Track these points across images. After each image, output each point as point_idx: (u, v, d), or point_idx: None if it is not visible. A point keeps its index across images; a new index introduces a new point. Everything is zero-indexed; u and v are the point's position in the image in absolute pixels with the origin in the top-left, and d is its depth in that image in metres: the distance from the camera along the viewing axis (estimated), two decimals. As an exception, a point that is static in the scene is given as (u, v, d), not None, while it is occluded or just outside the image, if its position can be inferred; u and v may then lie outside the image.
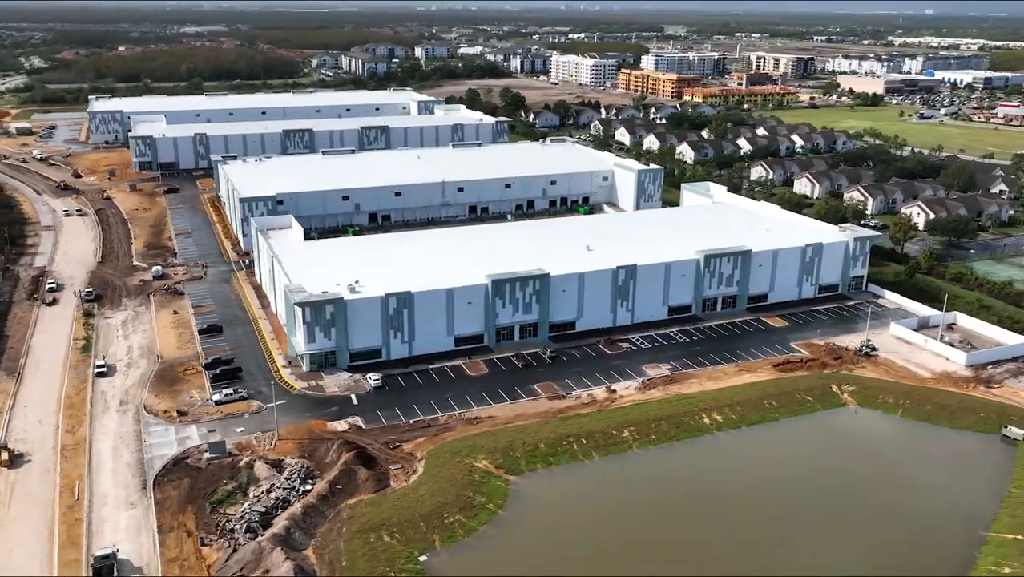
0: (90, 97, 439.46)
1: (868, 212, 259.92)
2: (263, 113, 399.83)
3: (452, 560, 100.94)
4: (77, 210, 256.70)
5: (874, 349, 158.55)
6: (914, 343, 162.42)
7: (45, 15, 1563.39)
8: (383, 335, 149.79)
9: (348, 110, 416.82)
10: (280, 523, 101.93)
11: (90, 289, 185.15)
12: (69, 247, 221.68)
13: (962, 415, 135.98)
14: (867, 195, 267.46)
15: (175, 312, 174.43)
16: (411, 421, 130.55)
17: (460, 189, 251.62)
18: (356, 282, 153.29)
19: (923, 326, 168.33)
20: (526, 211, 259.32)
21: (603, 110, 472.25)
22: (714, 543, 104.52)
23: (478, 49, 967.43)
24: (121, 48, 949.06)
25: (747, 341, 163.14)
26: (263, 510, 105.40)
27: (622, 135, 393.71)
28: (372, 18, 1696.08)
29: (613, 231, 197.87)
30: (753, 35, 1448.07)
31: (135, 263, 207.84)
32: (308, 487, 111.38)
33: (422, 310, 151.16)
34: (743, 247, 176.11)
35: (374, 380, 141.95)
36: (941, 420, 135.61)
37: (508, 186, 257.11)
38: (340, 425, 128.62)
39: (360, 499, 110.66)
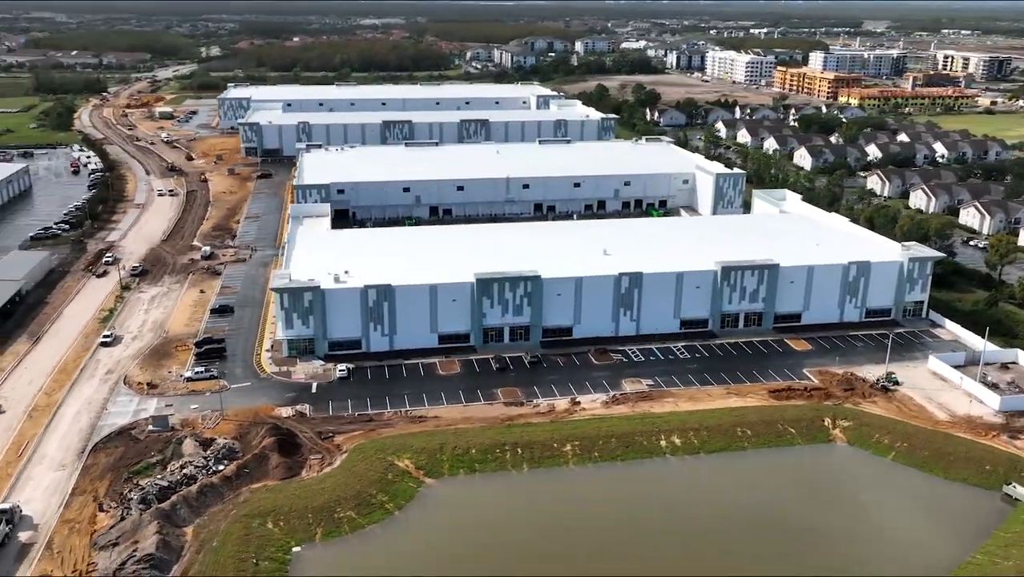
0: (228, 85, 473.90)
1: (983, 232, 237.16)
2: (383, 104, 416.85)
3: (323, 554, 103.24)
4: (170, 191, 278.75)
5: (897, 383, 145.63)
6: (949, 380, 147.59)
7: (246, 8, 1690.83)
8: (363, 327, 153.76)
9: (468, 103, 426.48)
10: (170, 499, 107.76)
11: (136, 265, 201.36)
12: (145, 224, 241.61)
13: (963, 465, 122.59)
14: (985, 213, 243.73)
15: (201, 291, 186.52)
16: (356, 414, 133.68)
17: (525, 186, 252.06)
18: (345, 272, 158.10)
19: (971, 363, 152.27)
20: (596, 212, 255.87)
21: (738, 110, 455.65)
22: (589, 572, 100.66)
23: (640, 44, 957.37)
24: (296, 39, 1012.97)
25: (755, 363, 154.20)
26: (166, 484, 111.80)
27: (743, 137, 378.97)
28: (554, 12, 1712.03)
29: (654, 236, 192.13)
30: (963, 32, 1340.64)
31: (194, 243, 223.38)
32: (221, 467, 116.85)
33: (403, 305, 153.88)
34: (769, 260, 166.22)
35: (340, 370, 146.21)
36: (936, 468, 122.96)
37: (577, 185, 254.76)
38: (286, 411, 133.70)
39: (265, 484, 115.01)
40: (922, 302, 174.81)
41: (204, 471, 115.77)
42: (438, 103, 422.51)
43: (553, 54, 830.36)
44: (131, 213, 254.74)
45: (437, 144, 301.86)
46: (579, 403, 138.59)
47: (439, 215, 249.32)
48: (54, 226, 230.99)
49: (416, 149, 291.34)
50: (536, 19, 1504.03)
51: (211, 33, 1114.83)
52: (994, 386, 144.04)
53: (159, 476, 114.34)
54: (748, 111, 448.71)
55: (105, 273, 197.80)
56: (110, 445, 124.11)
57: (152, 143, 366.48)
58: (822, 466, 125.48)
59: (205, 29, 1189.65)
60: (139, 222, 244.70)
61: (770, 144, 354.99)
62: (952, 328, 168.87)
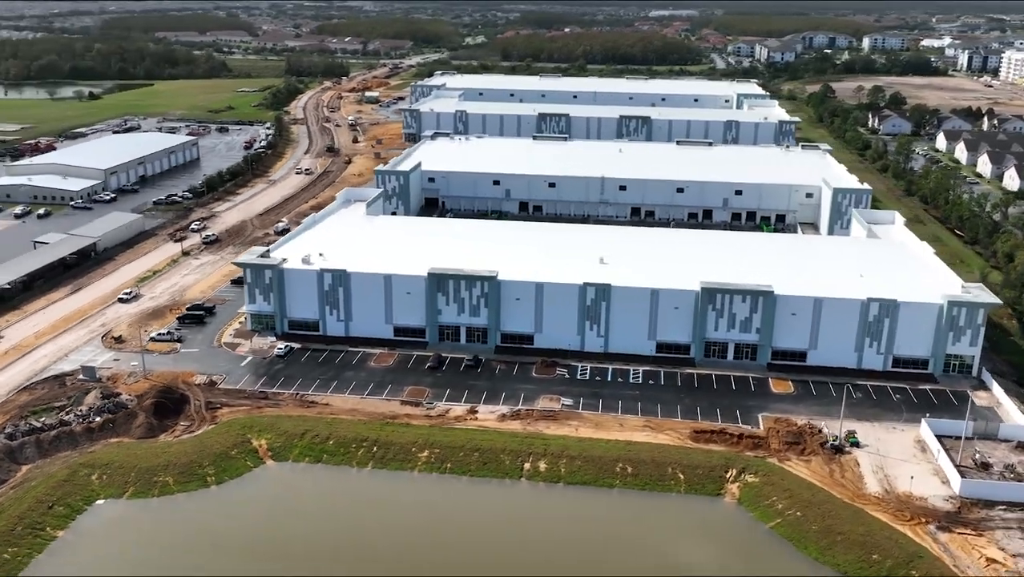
0: (436, 72, 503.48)
1: None
2: (574, 97, 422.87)
3: (116, 509, 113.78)
4: (306, 170, 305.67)
5: (856, 444, 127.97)
6: (930, 451, 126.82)
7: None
8: (319, 309, 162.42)
9: (663, 99, 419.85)
10: (20, 439, 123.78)
11: (212, 234, 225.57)
12: (259, 199, 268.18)
13: (847, 549, 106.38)
14: None
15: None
16: (257, 390, 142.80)
17: (622, 187, 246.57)
18: (320, 255, 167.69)
19: (984, 436, 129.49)
20: (701, 222, 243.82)
21: (986, 120, 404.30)
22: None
23: (944, 41, 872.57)
24: (567, 29, 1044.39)
25: (708, 398, 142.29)
26: (38, 425, 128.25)
27: (959, 152, 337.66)
28: (881, 8, 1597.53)
29: (685, 248, 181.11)
30: None
31: (282, 219, 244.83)
32: (98, 419, 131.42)
33: (359, 292, 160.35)
34: (762, 286, 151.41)
35: (279, 349, 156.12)
36: (812, 547, 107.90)
37: (680, 190, 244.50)
38: (200, 379, 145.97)
39: (120, 440, 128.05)
40: (971, 357, 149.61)
41: (81, 420, 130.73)
42: (631, 98, 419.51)
43: (814, 51, 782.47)
44: (258, 187, 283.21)
45: (566, 139, 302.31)
46: (476, 412, 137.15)
47: (528, 211, 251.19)
48: (179, 194, 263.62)
49: (542, 143, 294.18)
50: (848, 12, 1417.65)
51: (488, 23, 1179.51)
52: (983, 466, 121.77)
53: (43, 417, 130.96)
54: (995, 122, 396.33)
55: (183, 239, 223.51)
56: (39, 386, 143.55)
57: (338, 125, 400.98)
58: (679, 520, 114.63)
59: (483, 19, 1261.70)
60: (256, 196, 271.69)
61: (982, 163, 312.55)
62: (997, 393, 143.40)
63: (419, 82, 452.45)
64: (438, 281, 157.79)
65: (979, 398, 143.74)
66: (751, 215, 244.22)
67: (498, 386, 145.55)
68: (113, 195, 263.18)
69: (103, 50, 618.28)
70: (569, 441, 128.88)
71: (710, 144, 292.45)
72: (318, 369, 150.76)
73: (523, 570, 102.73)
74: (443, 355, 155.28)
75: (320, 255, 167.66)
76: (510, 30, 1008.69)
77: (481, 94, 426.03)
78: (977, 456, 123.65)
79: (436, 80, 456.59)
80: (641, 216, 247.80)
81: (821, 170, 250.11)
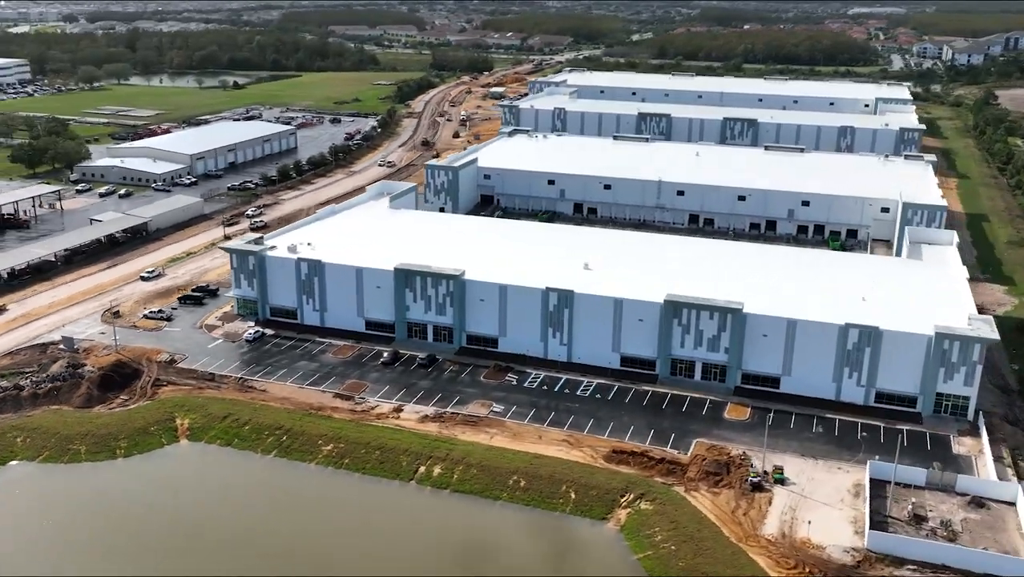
0: (565, 69, 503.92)
1: None
2: (699, 97, 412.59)
3: (23, 471, 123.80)
4: (389, 162, 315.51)
5: (781, 481, 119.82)
6: (861, 496, 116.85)
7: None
8: (297, 298, 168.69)
9: (795, 101, 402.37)
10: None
11: (261, 220, 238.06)
12: (328, 189, 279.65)
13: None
14: None
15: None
16: (205, 371, 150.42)
17: (680, 192, 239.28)
18: (307, 244, 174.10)
19: (940, 486, 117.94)
20: (763, 233, 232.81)
21: None
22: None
23: None
24: (745, 26, 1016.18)
25: (646, 417, 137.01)
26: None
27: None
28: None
29: (698, 260, 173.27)
30: None
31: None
32: (49, 385, 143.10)
33: (333, 284, 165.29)
34: (732, 303, 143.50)
35: (247, 334, 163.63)
36: None
37: (742, 199, 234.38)
38: (163, 356, 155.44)
39: (60, 408, 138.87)
40: (967, 398, 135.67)
41: (33, 385, 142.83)
42: (760, 100, 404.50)
43: (1015, 53, 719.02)
44: (336, 177, 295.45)
45: (647, 140, 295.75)
46: (401, 411, 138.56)
47: (583, 213, 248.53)
48: (251, 181, 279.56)
49: (622, 143, 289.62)
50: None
51: (664, 19, 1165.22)
52: (917, 519, 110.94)
53: (2, 381, 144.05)
54: None
55: (234, 224, 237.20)
56: (22, 352, 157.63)
57: (450, 119, 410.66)
58: (545, 540, 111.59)
59: (664, 15, 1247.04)
60: (329, 186, 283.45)
61: None
62: (984, 441, 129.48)
63: (540, 79, 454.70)
64: (405, 277, 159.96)
65: (961, 445, 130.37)
66: (819, 229, 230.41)
67: (439, 387, 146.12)
68: (195, 179, 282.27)
69: (262, 42, 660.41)
70: (476, 449, 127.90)
71: (802, 150, 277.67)
72: (276, 356, 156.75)
73: (345, 566, 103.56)
74: (399, 352, 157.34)
75: (308, 244, 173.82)
76: (682, 27, 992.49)
77: (602, 92, 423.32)
78: (910, 508, 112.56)
79: (558, 77, 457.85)
80: (699, 224, 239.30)
81: (911, 183, 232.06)
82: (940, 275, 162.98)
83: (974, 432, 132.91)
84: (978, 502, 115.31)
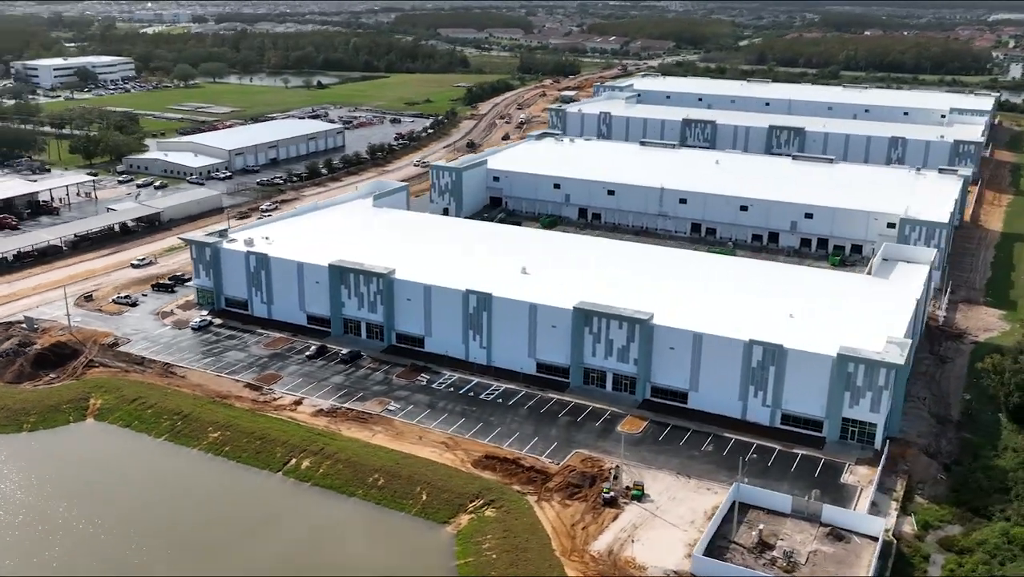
0: (640, 74, 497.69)
1: None
2: (767, 104, 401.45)
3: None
4: (423, 162, 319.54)
5: (639, 498, 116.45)
6: (712, 519, 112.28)
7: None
8: (247, 290, 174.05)
9: (867, 111, 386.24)
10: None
11: (272, 214, 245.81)
12: (352, 188, 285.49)
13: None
14: None
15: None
16: (138, 355, 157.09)
17: (683, 201, 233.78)
18: (265, 238, 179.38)
19: (805, 515, 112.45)
20: (766, 245, 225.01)
21: None
22: None
23: None
24: (867, 32, 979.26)
25: (537, 425, 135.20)
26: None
27: None
28: None
29: (647, 269, 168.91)
30: None
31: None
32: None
33: (278, 277, 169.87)
34: (640, 313, 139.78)
35: (194, 321, 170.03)
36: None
37: (744, 208, 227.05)
38: (109, 339, 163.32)
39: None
40: (873, 425, 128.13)
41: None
42: (830, 108, 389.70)
43: None
44: (367, 176, 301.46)
45: (675, 146, 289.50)
46: (300, 403, 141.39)
47: (587, 218, 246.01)
48: (279, 177, 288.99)
49: (649, 149, 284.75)
50: None
51: (781, 24, 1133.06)
52: (763, 547, 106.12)
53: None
54: None
55: (246, 217, 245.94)
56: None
57: (508, 122, 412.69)
58: (377, 540, 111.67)
59: (788, 20, 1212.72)
60: (353, 185, 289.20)
61: None
62: (878, 472, 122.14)
63: (608, 83, 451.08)
64: (340, 273, 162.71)
65: (853, 474, 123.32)
66: (823, 242, 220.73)
67: (349, 383, 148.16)
68: (230, 173, 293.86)
69: (357, 44, 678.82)
70: (352, 445, 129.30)
71: (831, 161, 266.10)
72: (212, 345, 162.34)
73: (168, 543, 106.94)
74: (326, 347, 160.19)
75: (265, 239, 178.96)
76: (795, 32, 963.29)
77: (668, 97, 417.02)
78: (757, 534, 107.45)
79: (624, 81, 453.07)
80: (702, 233, 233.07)
81: (927, 199, 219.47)
82: (893, 295, 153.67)
83: (875, 461, 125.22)
84: (837, 535, 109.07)
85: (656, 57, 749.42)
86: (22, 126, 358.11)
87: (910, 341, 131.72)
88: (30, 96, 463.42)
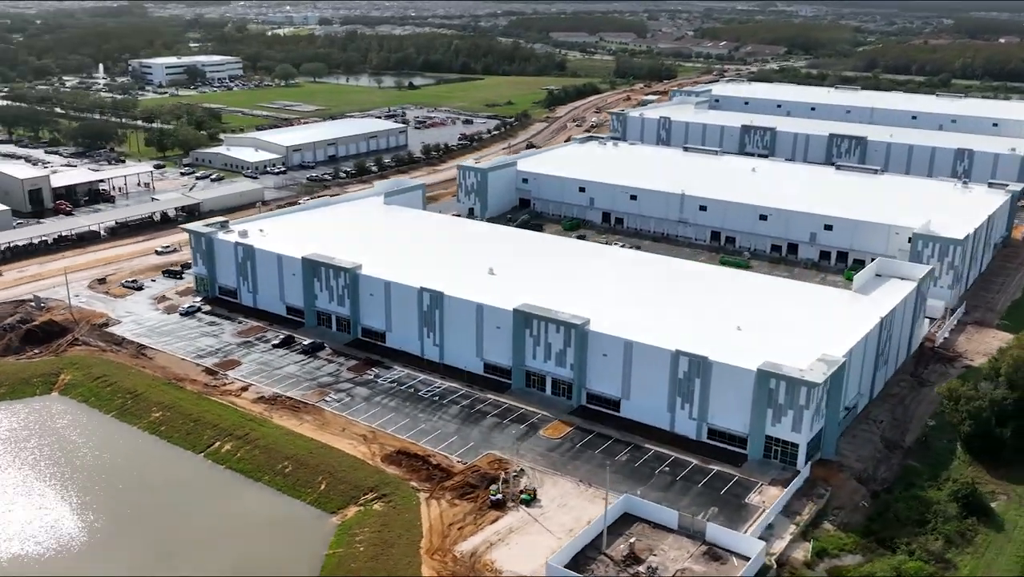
0: (723, 79, 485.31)
1: None
2: (847, 112, 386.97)
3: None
4: (475, 163, 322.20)
5: (527, 503, 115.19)
6: (593, 527, 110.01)
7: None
8: (236, 279, 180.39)
9: (953, 121, 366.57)
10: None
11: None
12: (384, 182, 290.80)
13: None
14: None
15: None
16: (119, 336, 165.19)
17: (702, 208, 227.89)
18: (260, 230, 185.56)
19: (690, 532, 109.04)
20: (784, 257, 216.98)
21: None
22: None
23: None
24: (1001, 40, 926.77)
25: (459, 425, 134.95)
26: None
27: None
28: None
29: (612, 281, 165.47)
30: None
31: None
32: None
33: (262, 268, 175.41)
34: (576, 318, 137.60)
35: (182, 307, 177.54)
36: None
37: (763, 218, 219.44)
38: (101, 319, 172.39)
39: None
40: (795, 445, 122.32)
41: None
42: (914, 117, 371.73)
43: None
44: (414, 174, 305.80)
45: (716, 152, 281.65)
46: (246, 389, 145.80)
47: (611, 222, 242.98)
48: (326, 174, 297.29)
49: (692, 155, 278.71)
50: None
51: (908, 31, 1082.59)
52: (631, 560, 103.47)
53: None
54: None
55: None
56: (4, 305, 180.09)
57: (579, 125, 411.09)
58: (259, 524, 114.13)
59: (906, 25, 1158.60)
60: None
61: None
62: (784, 494, 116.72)
63: (685, 87, 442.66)
64: (313, 267, 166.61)
65: (761, 495, 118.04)
66: (842, 256, 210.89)
67: (301, 373, 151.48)
68: (284, 169, 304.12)
69: (458, 46, 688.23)
70: (277, 432, 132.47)
71: (876, 171, 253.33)
72: (190, 329, 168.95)
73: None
74: (293, 336, 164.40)
75: (260, 231, 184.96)
76: (921, 38, 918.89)
77: (746, 103, 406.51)
78: (622, 547, 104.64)
79: (703, 87, 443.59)
80: (721, 242, 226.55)
81: (958, 214, 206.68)
82: (861, 312, 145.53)
83: (791, 482, 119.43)
84: (715, 554, 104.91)
85: (762, 62, 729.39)
86: (114, 119, 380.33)
87: (842, 360, 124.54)
88: (139, 92, 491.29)
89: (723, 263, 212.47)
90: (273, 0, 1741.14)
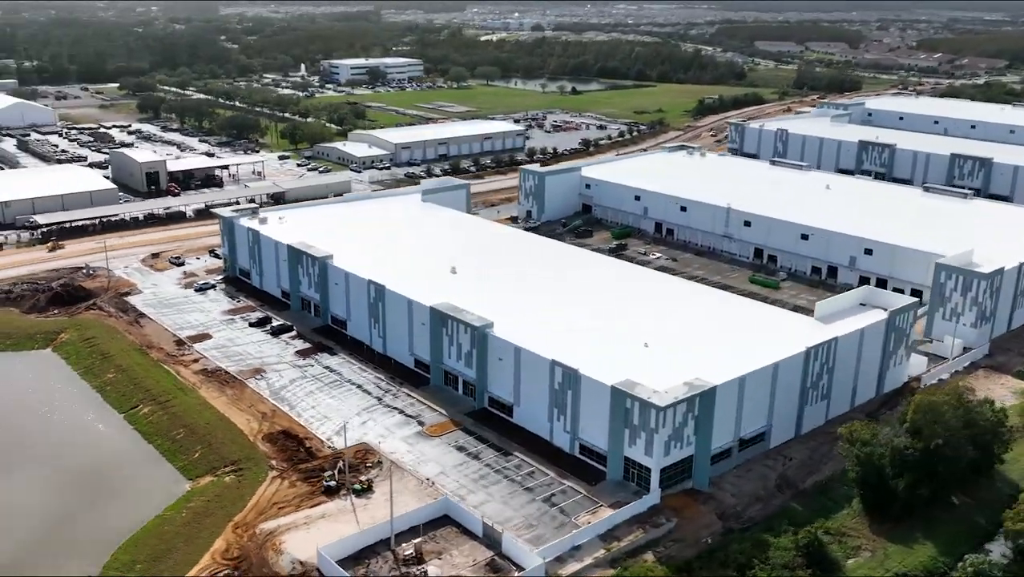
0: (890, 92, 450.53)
1: None
2: (1011, 132, 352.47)
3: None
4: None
5: (360, 492, 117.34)
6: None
7: None
8: (249, 262, 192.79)
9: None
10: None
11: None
12: (483, 184, 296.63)
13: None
14: None
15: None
16: (131, 306, 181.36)
17: (747, 223, 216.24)
18: (279, 218, 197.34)
19: (488, 542, 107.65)
20: (824, 280, 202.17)
21: None
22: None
23: None
24: None
25: (363, 416, 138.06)
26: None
27: None
28: None
29: (575, 290, 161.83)
30: None
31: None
32: (27, 292, 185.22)
33: (265, 253, 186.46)
34: (481, 320, 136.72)
35: (197, 284, 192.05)
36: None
37: (805, 237, 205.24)
38: (125, 290, 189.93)
39: (10, 310, 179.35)
40: (648, 471, 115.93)
41: (24, 291, 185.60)
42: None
43: None
44: (509, 175, 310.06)
45: (803, 167, 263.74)
46: (197, 361, 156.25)
47: (662, 233, 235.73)
48: (422, 171, 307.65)
49: (777, 169, 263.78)
50: None
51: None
52: (410, 561, 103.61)
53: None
54: None
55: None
56: (62, 270, 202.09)
57: (714, 136, 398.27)
58: (116, 492, 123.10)
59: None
60: (487, 183, 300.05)
61: None
62: (606, 515, 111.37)
63: (831, 100, 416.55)
64: (296, 255, 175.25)
65: (594, 516, 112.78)
66: (881, 283, 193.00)
67: (252, 351, 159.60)
68: (388, 165, 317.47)
69: (640, 54, 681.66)
70: (193, 401, 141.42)
71: (965, 195, 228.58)
72: (191, 304, 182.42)
73: None
74: (269, 317, 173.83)
75: (280, 219, 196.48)
76: None
77: (901, 118, 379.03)
78: (405, 546, 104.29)
79: (856, 100, 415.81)
80: (763, 260, 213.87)
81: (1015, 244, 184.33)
82: (794, 340, 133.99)
83: (634, 507, 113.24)
84: (495, 566, 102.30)
85: (970, 76, 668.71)
86: (266, 111, 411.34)
87: (708, 387, 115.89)
88: (318, 90, 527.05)
89: (752, 281, 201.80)
90: (508, 2, 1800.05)
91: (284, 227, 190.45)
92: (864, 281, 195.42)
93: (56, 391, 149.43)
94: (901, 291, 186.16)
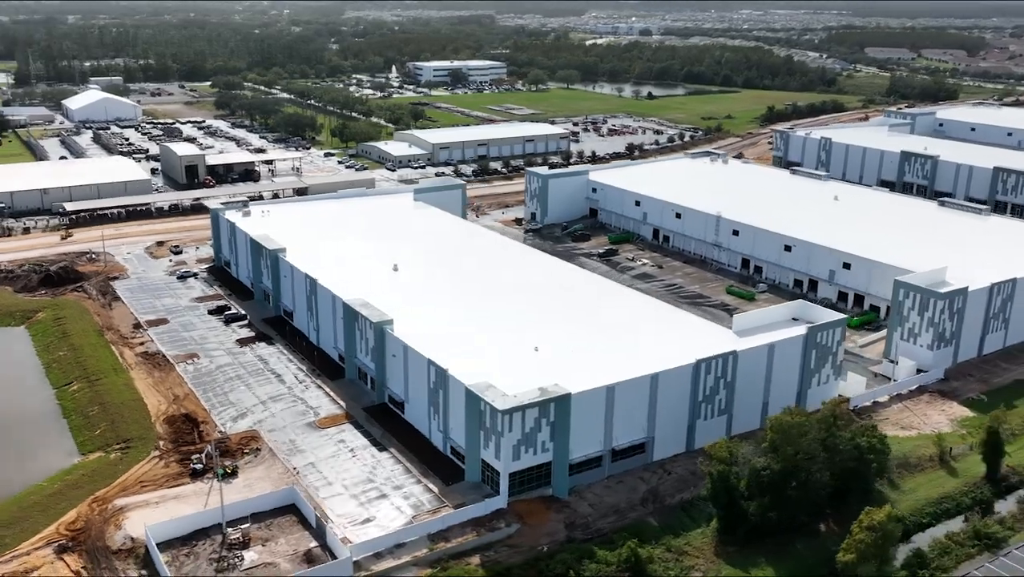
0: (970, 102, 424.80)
1: None
2: (1010, 135, 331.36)
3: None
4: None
5: (223, 476, 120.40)
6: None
7: None
8: (229, 252, 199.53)
9: None
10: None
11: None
12: (507, 186, 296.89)
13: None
14: None
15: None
16: (111, 290, 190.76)
17: (735, 232, 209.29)
18: (263, 212, 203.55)
19: (322, 532, 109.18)
20: (804, 294, 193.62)
21: None
22: None
23: None
24: None
25: (269, 407, 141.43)
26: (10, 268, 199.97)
27: None
28: None
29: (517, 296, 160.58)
30: None
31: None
32: (23, 273, 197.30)
33: (240, 246, 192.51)
34: (382, 318, 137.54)
35: (180, 272, 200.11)
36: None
37: (788, 248, 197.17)
38: (114, 275, 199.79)
39: (5, 288, 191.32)
40: (499, 472, 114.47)
41: (20, 271, 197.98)
42: None
43: None
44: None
45: (820, 178, 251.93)
46: (143, 344, 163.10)
47: (659, 239, 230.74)
48: (455, 170, 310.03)
49: (796, 178, 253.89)
50: None
51: None
52: (235, 546, 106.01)
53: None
54: None
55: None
56: (70, 254, 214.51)
57: (770, 143, 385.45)
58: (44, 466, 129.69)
59: None
60: (511, 184, 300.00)
61: None
62: (449, 513, 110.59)
63: (899, 108, 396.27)
64: (257, 248, 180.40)
65: (434, 516, 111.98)
66: (859, 299, 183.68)
67: (197, 337, 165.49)
68: (423, 164, 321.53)
69: (729, 59, 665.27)
70: (120, 382, 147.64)
71: (980, 211, 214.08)
72: (165, 290, 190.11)
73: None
74: (228, 306, 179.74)
75: (264, 212, 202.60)
76: None
77: (973, 129, 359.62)
78: (231, 530, 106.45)
79: (927, 110, 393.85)
80: (750, 271, 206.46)
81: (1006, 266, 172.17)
82: (690, 352, 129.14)
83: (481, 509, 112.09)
84: (311, 556, 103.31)
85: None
86: (333, 110, 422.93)
87: (560, 394, 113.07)
88: (397, 91, 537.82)
89: (728, 292, 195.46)
90: (629, 6, 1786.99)
91: (264, 221, 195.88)
92: (843, 296, 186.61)
93: (7, 365, 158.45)
94: (877, 308, 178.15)
